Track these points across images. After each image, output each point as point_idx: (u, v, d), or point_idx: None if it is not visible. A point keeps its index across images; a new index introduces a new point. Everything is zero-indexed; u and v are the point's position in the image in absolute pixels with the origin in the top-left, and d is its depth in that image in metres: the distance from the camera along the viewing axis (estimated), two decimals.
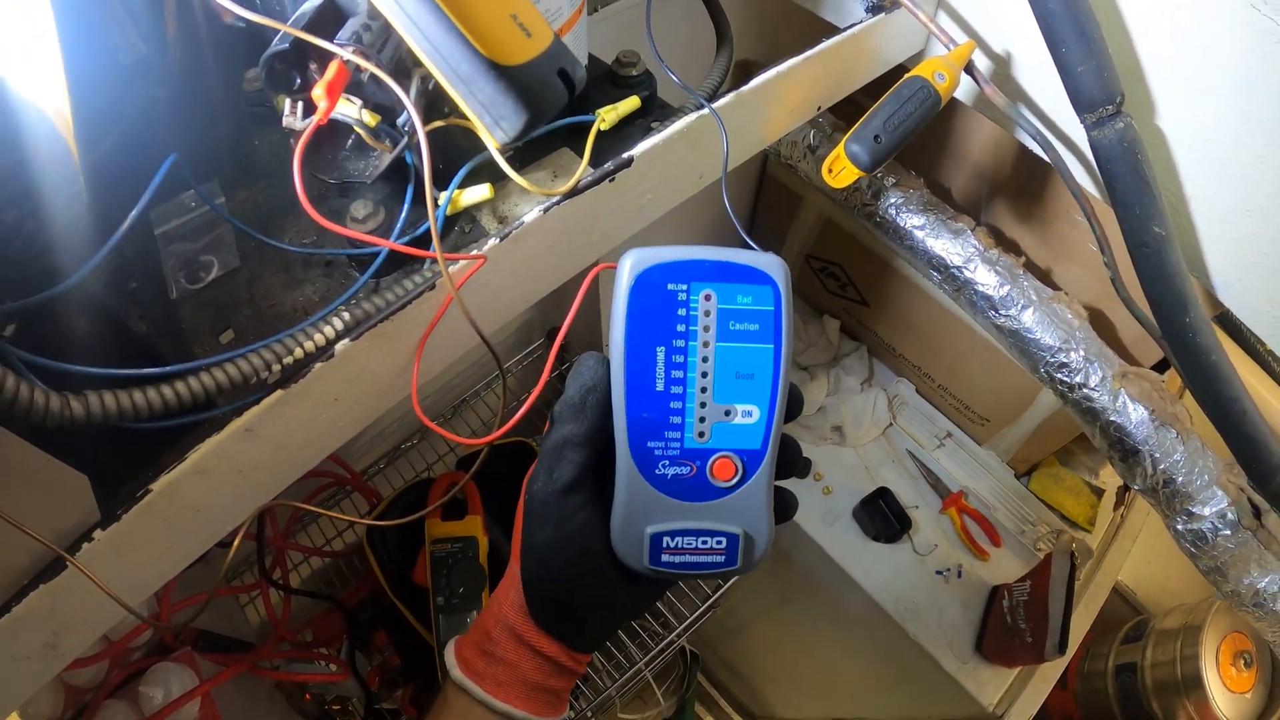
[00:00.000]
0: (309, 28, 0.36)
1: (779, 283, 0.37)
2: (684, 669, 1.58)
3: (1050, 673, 1.16)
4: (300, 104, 0.38)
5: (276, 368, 0.38)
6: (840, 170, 0.62)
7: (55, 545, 0.35)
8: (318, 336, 0.39)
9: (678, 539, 0.38)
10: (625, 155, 0.49)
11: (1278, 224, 0.58)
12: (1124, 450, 0.83)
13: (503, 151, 0.40)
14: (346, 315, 0.41)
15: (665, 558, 0.38)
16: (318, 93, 0.36)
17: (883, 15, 0.63)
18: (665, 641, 1.14)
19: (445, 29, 0.32)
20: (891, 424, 1.42)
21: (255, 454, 0.41)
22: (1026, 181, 1.02)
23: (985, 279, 0.93)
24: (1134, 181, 0.56)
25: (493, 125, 0.35)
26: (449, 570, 0.88)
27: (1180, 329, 0.59)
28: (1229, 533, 0.77)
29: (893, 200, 1.00)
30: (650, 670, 1.15)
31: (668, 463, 0.38)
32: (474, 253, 0.43)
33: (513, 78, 0.34)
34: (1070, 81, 0.56)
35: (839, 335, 1.49)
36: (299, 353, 0.38)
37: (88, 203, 0.37)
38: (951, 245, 0.96)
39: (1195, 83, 0.57)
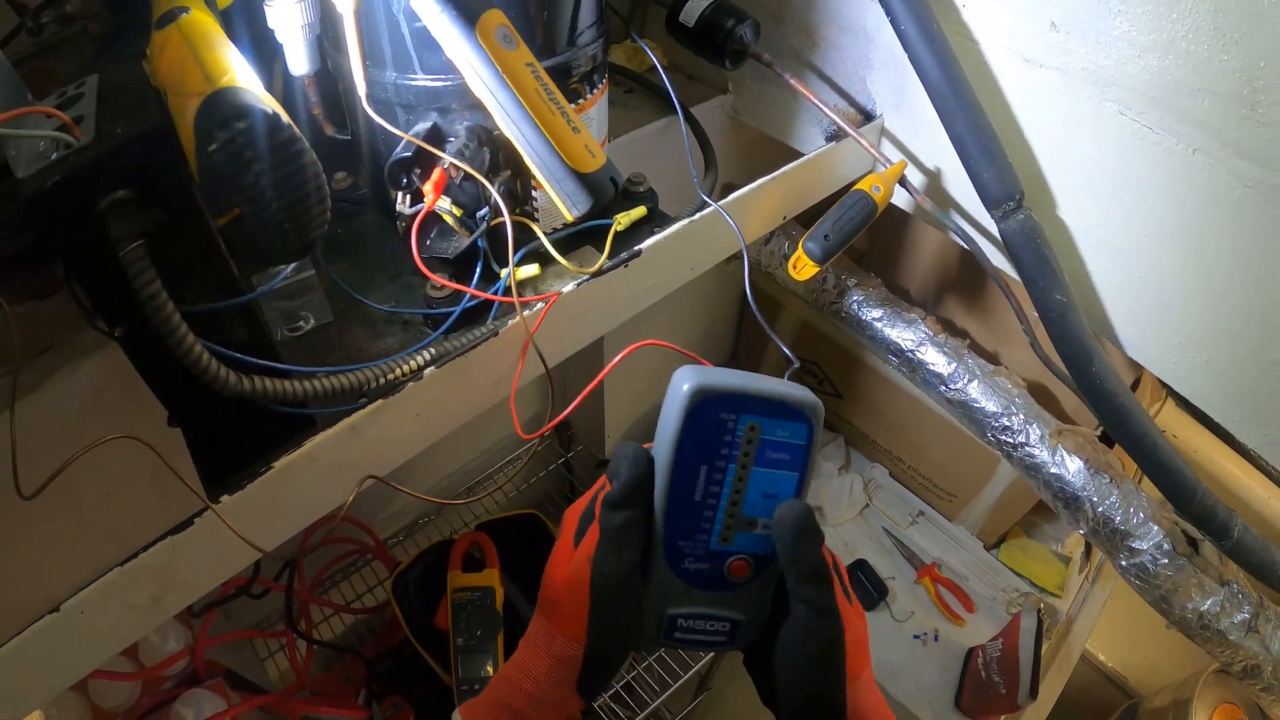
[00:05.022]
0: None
1: (814, 423, 0.42)
2: None
3: None
4: (408, 196, 0.53)
5: (382, 380, 0.50)
6: (802, 266, 0.77)
7: (203, 496, 0.45)
8: (413, 362, 0.52)
9: (691, 620, 0.44)
10: (636, 248, 0.63)
11: (1162, 288, 0.70)
12: (1066, 498, 0.95)
13: (568, 226, 0.58)
14: (432, 350, 0.54)
15: (678, 635, 0.44)
16: (427, 189, 0.50)
17: (835, 144, 0.80)
18: None
19: (549, 150, 0.51)
20: (868, 505, 1.53)
21: (352, 451, 0.51)
22: (971, 279, 1.18)
23: (935, 359, 1.07)
24: (1036, 260, 0.69)
25: (571, 206, 0.52)
26: (468, 615, 0.98)
27: (1090, 377, 0.70)
28: (1167, 561, 0.87)
29: (855, 297, 1.16)
30: None
31: (693, 560, 0.43)
32: (538, 305, 0.57)
33: (584, 179, 0.52)
34: (979, 185, 0.69)
35: None
36: (399, 372, 0.51)
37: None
38: (905, 332, 1.11)
39: (1082, 179, 0.70)
